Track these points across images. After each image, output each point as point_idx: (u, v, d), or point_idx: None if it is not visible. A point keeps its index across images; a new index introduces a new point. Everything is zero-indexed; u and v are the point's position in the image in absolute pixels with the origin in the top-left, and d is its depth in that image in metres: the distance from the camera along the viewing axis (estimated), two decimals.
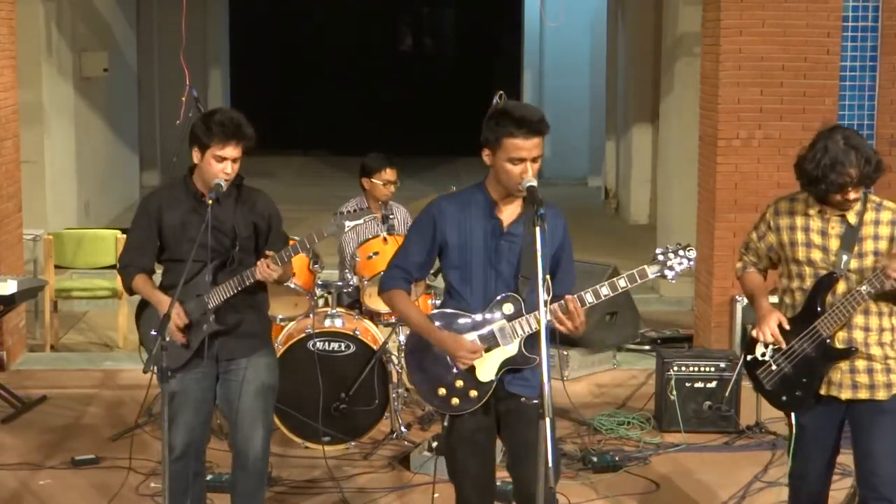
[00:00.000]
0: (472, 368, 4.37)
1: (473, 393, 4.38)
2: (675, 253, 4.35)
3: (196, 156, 4.95)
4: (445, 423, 4.44)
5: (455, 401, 4.39)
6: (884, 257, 4.49)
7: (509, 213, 4.38)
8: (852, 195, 4.50)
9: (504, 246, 4.35)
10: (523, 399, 4.37)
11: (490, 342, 4.37)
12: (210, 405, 5.15)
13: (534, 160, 4.26)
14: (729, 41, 8.02)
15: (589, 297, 4.30)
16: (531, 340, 4.33)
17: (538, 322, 4.20)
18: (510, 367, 4.38)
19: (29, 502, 6.06)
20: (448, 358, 4.39)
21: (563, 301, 4.27)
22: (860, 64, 8.21)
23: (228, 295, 4.96)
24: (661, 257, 4.35)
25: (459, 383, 4.38)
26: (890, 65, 8.23)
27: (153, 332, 4.90)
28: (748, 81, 8.04)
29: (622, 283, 4.31)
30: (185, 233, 4.98)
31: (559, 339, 4.39)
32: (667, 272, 4.34)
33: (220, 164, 4.89)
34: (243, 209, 5.05)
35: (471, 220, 4.37)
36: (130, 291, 5.15)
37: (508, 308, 4.35)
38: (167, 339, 4.67)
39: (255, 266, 4.91)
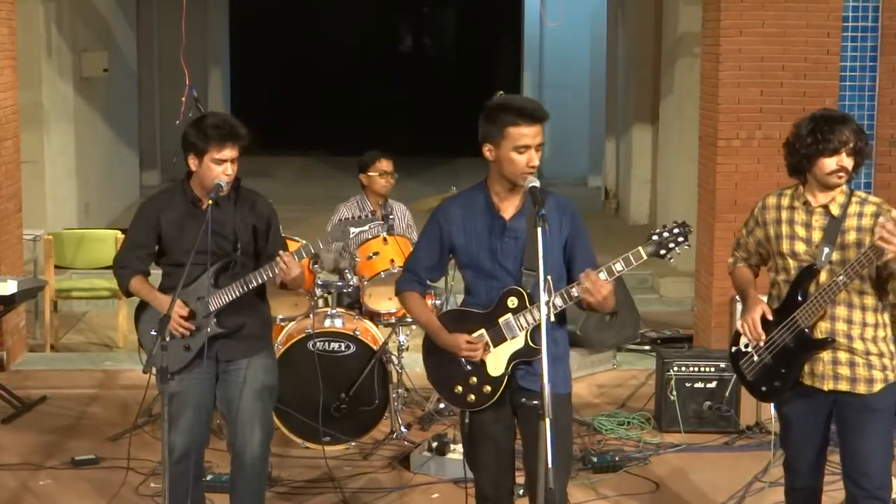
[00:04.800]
0: (483, 364, 4.43)
1: (487, 388, 4.44)
2: (671, 231, 4.37)
3: (193, 163, 4.92)
4: (467, 420, 4.50)
5: (471, 397, 4.46)
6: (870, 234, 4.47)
7: (510, 208, 4.45)
8: (845, 160, 4.49)
9: (509, 242, 4.42)
10: (532, 401, 4.36)
11: (497, 337, 4.42)
12: (210, 407, 5.14)
13: (537, 148, 4.36)
14: (729, 41, 8.01)
15: (575, 292, 4.34)
16: (538, 332, 4.35)
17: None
18: (520, 360, 4.42)
19: (29, 502, 6.06)
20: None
21: (581, 278, 4.31)
22: (860, 64, 8.20)
23: (233, 297, 4.94)
24: (655, 237, 4.38)
25: (473, 380, 4.45)
26: (890, 65, 8.23)
27: (153, 333, 4.90)
28: (748, 81, 8.04)
29: (618, 266, 4.33)
30: (184, 237, 4.96)
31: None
32: (662, 251, 4.37)
33: (220, 167, 4.88)
34: (242, 211, 5.03)
35: (475, 220, 4.46)
36: (127, 293, 5.13)
37: (513, 302, 4.40)
38: (167, 338, 4.67)
39: (266, 266, 4.89)
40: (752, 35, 8.00)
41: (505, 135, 4.33)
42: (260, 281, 4.94)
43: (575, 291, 4.32)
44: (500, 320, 4.41)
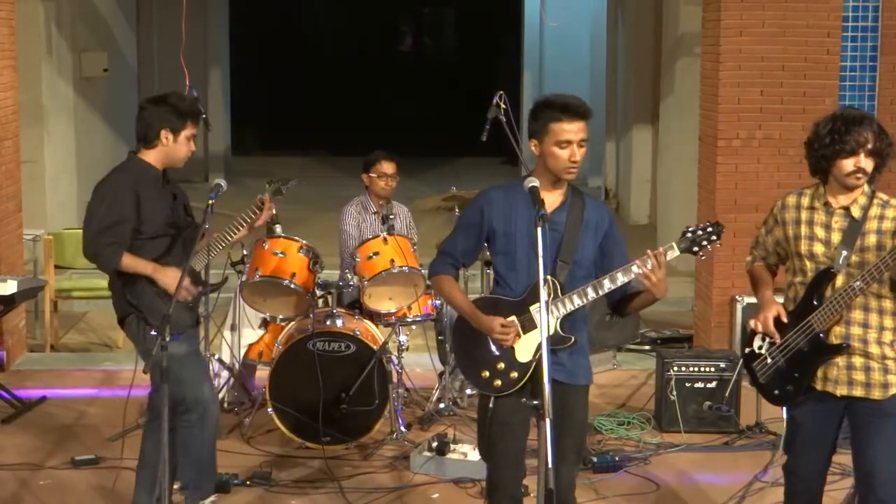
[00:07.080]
0: (511, 350, 4.51)
1: (514, 374, 4.51)
2: (704, 229, 4.46)
3: (168, 138, 5.22)
4: (491, 405, 4.53)
5: (497, 382, 4.53)
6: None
7: (552, 201, 4.53)
8: (863, 161, 4.47)
9: (547, 235, 4.43)
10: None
11: (528, 323, 4.50)
12: None
13: (580, 144, 4.47)
14: (729, 41, 8.02)
15: (620, 276, 4.44)
16: (568, 321, 4.50)
17: (573, 302, 4.45)
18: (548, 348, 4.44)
19: (29, 502, 6.06)
20: (490, 341, 4.53)
21: (646, 256, 4.38)
22: (860, 64, 8.20)
23: (215, 255, 5.33)
24: (689, 234, 4.47)
25: (501, 365, 4.53)
26: (890, 65, 8.23)
27: (153, 332, 4.94)
28: (748, 81, 8.04)
29: (649, 263, 4.38)
30: (157, 212, 5.24)
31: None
32: (695, 248, 4.45)
33: (190, 143, 5.27)
34: (178, 188, 5.44)
35: (517, 209, 4.54)
36: (116, 269, 5.26)
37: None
38: (167, 338, 4.69)
39: (239, 218, 5.39)
40: (752, 35, 8.00)
41: (547, 130, 4.46)
42: (241, 230, 5.40)
43: (636, 268, 4.39)
44: (532, 308, 4.49)
